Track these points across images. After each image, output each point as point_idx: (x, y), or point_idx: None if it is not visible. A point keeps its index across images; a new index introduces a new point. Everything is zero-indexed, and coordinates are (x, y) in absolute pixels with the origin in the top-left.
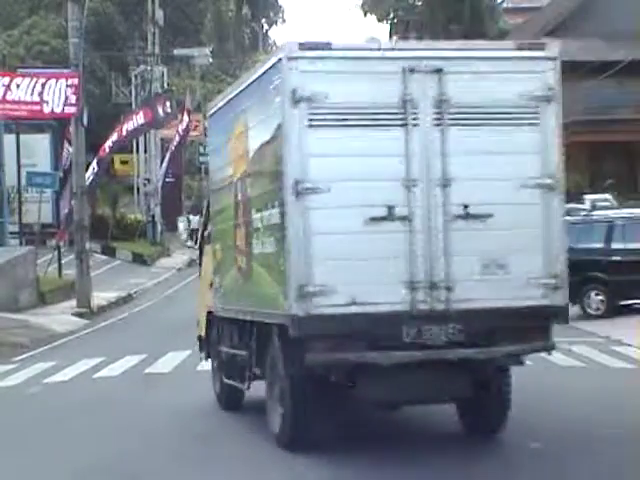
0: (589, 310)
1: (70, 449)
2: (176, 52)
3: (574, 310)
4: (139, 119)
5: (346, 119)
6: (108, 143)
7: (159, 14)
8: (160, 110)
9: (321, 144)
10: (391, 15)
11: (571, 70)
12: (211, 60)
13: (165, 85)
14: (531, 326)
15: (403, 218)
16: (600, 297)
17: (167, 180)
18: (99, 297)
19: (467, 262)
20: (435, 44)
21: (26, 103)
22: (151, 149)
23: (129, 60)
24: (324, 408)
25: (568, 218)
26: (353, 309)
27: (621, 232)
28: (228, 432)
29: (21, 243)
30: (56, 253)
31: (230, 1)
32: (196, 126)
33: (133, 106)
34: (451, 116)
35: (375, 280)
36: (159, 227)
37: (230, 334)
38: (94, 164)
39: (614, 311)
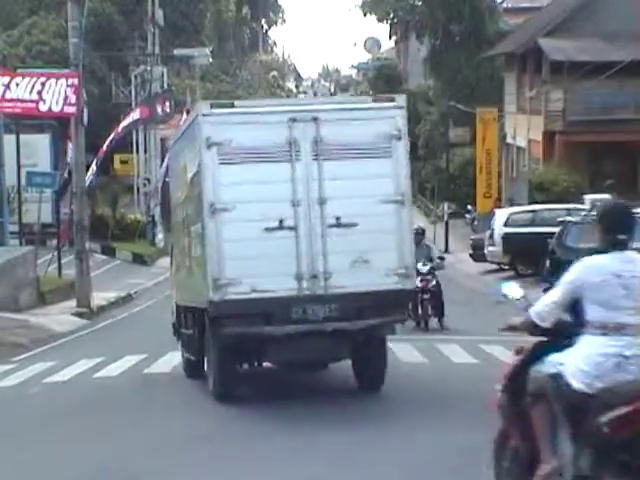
0: None
1: (70, 449)
2: (176, 52)
3: None
4: (134, 116)
5: (247, 157)
6: (106, 142)
7: (159, 14)
8: (159, 109)
9: (228, 176)
10: (391, 15)
11: (571, 70)
12: (211, 60)
13: (165, 85)
14: (389, 304)
15: (291, 228)
16: None
17: (167, 180)
18: (99, 297)
19: (340, 258)
20: (312, 99)
21: (23, 101)
22: (151, 149)
23: (129, 60)
24: (240, 371)
25: (569, 218)
26: (254, 295)
27: None
28: (228, 432)
29: (21, 243)
30: (56, 253)
31: (230, 1)
32: None
33: (133, 106)
34: (325, 152)
35: (270, 273)
36: (159, 227)
37: (186, 319)
38: (93, 165)
39: None
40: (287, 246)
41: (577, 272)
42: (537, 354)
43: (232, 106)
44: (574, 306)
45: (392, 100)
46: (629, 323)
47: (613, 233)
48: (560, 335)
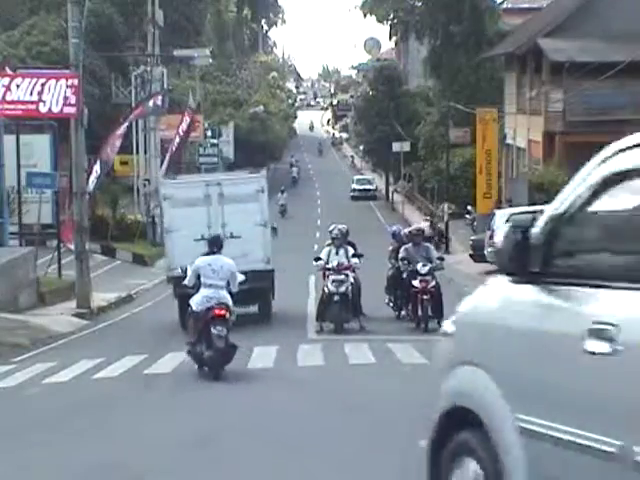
0: None
1: (70, 449)
2: (176, 53)
3: None
4: (132, 117)
5: (184, 203)
6: (113, 148)
7: (159, 15)
8: (151, 102)
9: (175, 213)
10: (391, 16)
11: (571, 71)
12: (211, 61)
13: (165, 86)
14: (259, 277)
15: (206, 239)
16: None
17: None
18: (99, 298)
19: (233, 253)
20: (218, 175)
21: (23, 103)
22: (151, 150)
23: (129, 61)
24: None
25: None
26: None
27: None
28: (229, 432)
29: (21, 244)
30: (56, 254)
31: (230, 2)
32: (196, 127)
33: (133, 107)
34: (224, 200)
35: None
36: (159, 228)
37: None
38: (97, 167)
39: None
40: (204, 248)
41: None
42: None
43: (175, 178)
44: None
45: (259, 172)
46: (214, 284)
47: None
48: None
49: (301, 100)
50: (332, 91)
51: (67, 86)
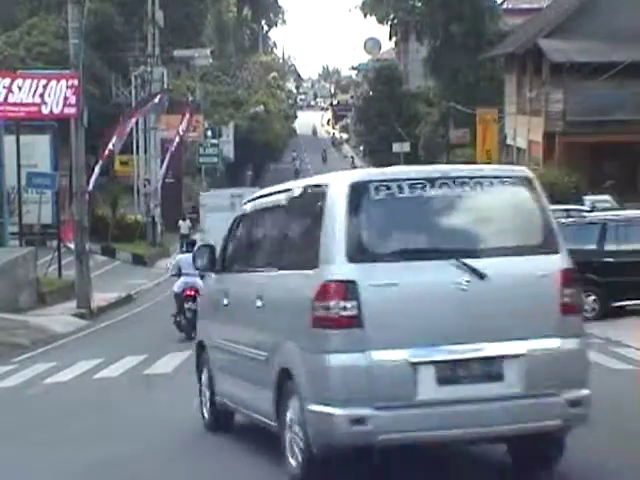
0: (583, 312)
1: (70, 450)
2: (176, 53)
3: None
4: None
5: (215, 210)
6: (109, 146)
7: (159, 15)
8: (150, 102)
9: (208, 217)
10: (391, 16)
11: (571, 71)
12: (211, 61)
13: (165, 86)
14: None
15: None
16: (593, 299)
17: (167, 181)
18: (99, 298)
19: None
20: (240, 189)
21: (26, 105)
22: (151, 150)
23: (129, 61)
24: None
25: (562, 220)
26: None
27: (614, 233)
28: (229, 432)
29: (21, 244)
30: (56, 254)
31: (230, 2)
32: (196, 127)
33: (133, 107)
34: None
35: None
36: (159, 228)
37: None
38: (97, 169)
39: (608, 313)
40: None
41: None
42: None
43: (207, 190)
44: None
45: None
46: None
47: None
48: None
49: (301, 100)
50: (332, 91)
51: (67, 86)
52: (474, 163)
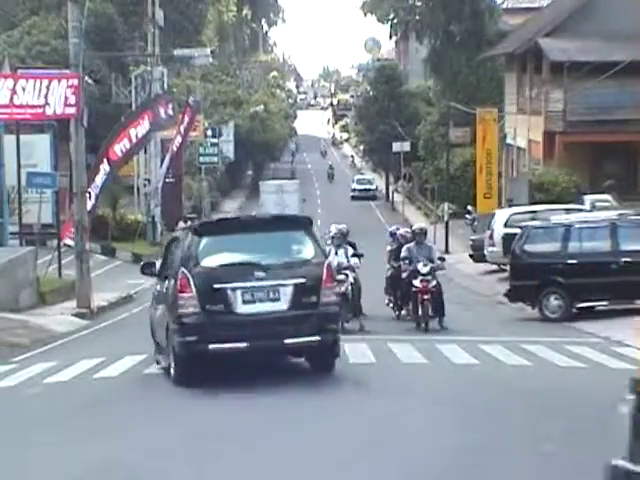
0: (547, 313)
1: (70, 449)
2: (176, 53)
3: (533, 313)
4: (145, 125)
5: (269, 193)
6: (120, 147)
7: (159, 15)
8: (162, 112)
9: (265, 198)
10: (391, 16)
11: (571, 71)
12: (211, 60)
13: (165, 86)
14: None
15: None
16: (558, 300)
17: (167, 180)
18: (99, 297)
19: None
20: (283, 181)
21: (32, 107)
22: (151, 149)
23: (129, 61)
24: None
25: (527, 223)
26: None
27: (578, 235)
28: (229, 432)
29: (21, 243)
30: (56, 254)
31: (230, 2)
32: (196, 126)
33: (133, 107)
34: (285, 193)
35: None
36: (159, 228)
37: None
38: (105, 166)
39: (572, 314)
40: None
41: None
42: None
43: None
44: None
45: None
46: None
47: None
48: None
49: (301, 100)
50: (332, 91)
51: (67, 86)
52: (474, 162)
